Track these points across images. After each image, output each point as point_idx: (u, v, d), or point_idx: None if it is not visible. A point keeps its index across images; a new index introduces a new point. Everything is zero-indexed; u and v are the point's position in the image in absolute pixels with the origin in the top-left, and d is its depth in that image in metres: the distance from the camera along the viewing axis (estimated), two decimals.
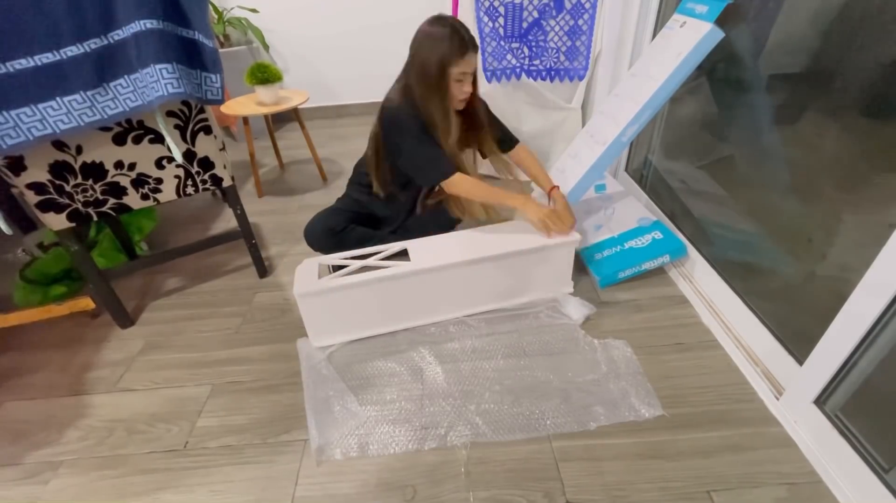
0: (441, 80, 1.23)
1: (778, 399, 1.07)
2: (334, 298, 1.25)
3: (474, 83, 1.31)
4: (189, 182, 1.36)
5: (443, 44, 1.18)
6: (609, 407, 1.11)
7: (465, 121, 1.37)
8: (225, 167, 1.39)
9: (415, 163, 1.34)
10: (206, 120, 1.28)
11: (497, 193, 1.33)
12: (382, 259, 1.33)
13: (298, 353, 1.31)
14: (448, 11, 1.99)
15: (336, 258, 1.35)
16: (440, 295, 1.35)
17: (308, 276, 1.27)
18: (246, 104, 2.15)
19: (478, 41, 1.30)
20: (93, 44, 1.06)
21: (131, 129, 1.20)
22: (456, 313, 1.39)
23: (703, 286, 1.41)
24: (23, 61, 1.01)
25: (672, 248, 1.48)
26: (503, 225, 1.44)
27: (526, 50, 1.92)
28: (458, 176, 1.32)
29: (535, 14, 1.84)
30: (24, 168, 1.12)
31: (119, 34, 1.07)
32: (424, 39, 1.22)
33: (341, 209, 1.58)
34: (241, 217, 1.52)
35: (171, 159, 1.29)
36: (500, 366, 1.24)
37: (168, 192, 1.34)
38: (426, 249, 1.34)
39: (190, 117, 1.26)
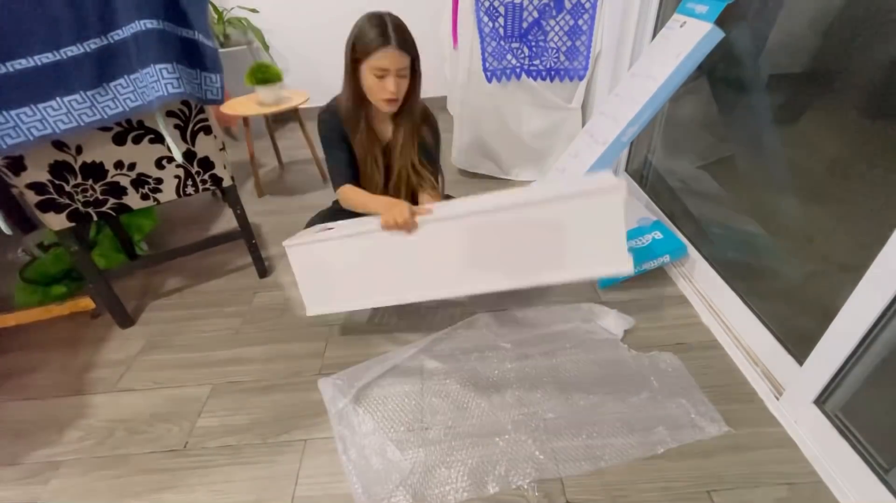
0: (353, 69, 1.18)
1: (778, 399, 1.07)
2: (323, 253, 1.16)
3: (412, 89, 1.22)
4: (189, 182, 1.36)
5: (363, 33, 1.13)
6: (672, 427, 1.04)
7: (397, 124, 1.29)
8: (225, 167, 1.39)
9: (328, 168, 1.34)
10: (205, 120, 1.28)
11: (368, 201, 1.22)
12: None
13: (322, 396, 1.18)
14: (448, 11, 1.99)
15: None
16: (445, 259, 1.11)
17: (302, 235, 1.23)
18: (246, 104, 2.15)
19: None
20: (93, 44, 1.06)
21: (131, 129, 1.20)
22: (469, 287, 1.12)
23: (703, 286, 1.41)
24: (23, 61, 1.01)
25: (672, 248, 1.48)
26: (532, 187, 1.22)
27: (526, 50, 1.92)
28: (344, 189, 1.28)
29: (535, 14, 1.84)
30: (23, 168, 1.12)
31: (119, 34, 1.07)
32: (352, 28, 1.17)
33: (340, 210, 1.57)
34: (241, 217, 1.52)
35: (171, 159, 1.29)
36: (548, 391, 1.15)
37: (168, 192, 1.34)
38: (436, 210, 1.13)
39: (190, 117, 1.26)
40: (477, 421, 1.10)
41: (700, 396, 1.11)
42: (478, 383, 1.19)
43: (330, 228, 1.22)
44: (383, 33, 1.11)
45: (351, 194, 1.27)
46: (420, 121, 1.31)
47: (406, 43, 1.14)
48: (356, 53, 1.15)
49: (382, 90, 1.17)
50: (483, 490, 0.95)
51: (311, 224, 1.47)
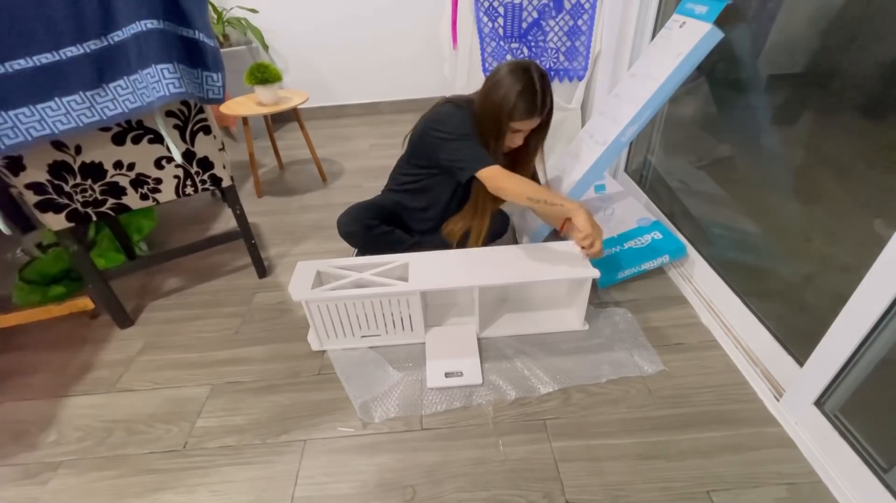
0: (500, 126, 1.24)
1: (778, 400, 1.07)
2: (323, 308, 1.25)
3: (534, 137, 1.33)
4: (188, 182, 1.35)
5: (517, 97, 1.18)
6: (615, 365, 1.22)
7: (506, 164, 1.30)
8: (224, 167, 1.39)
9: (458, 153, 1.28)
10: (205, 120, 1.28)
11: (545, 190, 1.24)
12: (382, 272, 1.29)
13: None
14: (448, 11, 1.99)
15: (333, 266, 1.33)
16: (438, 314, 1.39)
17: (303, 280, 1.27)
18: (245, 104, 2.14)
19: (542, 97, 1.22)
20: (92, 45, 1.06)
21: (130, 129, 1.20)
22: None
23: (702, 286, 1.41)
24: (22, 62, 1.00)
25: (671, 249, 1.48)
26: (522, 247, 1.38)
27: (525, 50, 1.92)
28: (497, 168, 1.23)
29: (535, 14, 1.85)
30: (23, 168, 1.12)
31: (119, 35, 1.07)
32: (504, 79, 1.20)
33: (377, 205, 1.53)
34: (241, 217, 1.52)
35: (170, 159, 1.29)
36: (510, 338, 1.32)
37: (167, 192, 1.34)
38: (427, 269, 1.28)
39: (189, 117, 1.26)
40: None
41: (644, 342, 1.28)
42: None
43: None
44: (534, 105, 1.18)
45: (506, 178, 1.22)
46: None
47: (551, 108, 1.23)
48: (508, 113, 1.20)
49: (513, 141, 1.28)
50: (451, 404, 1.14)
51: (357, 213, 1.47)
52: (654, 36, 1.70)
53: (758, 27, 1.25)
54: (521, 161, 1.39)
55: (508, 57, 1.92)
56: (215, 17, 2.76)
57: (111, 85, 1.09)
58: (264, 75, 2.05)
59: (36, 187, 1.16)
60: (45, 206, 1.19)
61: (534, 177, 1.48)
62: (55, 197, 1.19)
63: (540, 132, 1.33)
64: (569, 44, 1.91)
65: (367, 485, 0.98)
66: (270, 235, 1.92)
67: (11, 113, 1.00)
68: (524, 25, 1.87)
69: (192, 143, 1.30)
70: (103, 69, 1.07)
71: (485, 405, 1.13)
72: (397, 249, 1.44)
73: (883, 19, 0.93)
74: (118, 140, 1.20)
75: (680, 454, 1.00)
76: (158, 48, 1.07)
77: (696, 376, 1.18)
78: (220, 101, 1.23)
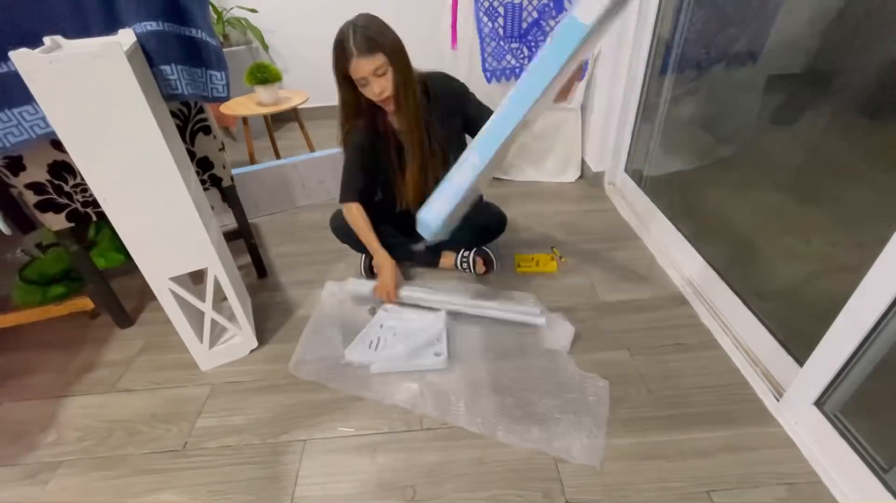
0: (342, 85, 1.24)
1: (778, 400, 1.07)
2: None
3: (401, 78, 1.20)
4: None
5: (335, 52, 1.16)
6: (548, 438, 1.03)
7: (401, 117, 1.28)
8: (224, 167, 1.39)
9: (342, 176, 1.44)
10: (205, 120, 1.28)
11: (368, 239, 1.41)
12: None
13: (322, 292, 1.50)
14: (448, 11, 1.99)
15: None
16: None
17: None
18: (245, 104, 2.15)
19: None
20: None
21: None
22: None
23: (703, 286, 1.41)
24: None
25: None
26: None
27: (525, 50, 1.93)
28: (352, 208, 1.42)
29: (535, 14, 1.85)
30: (23, 168, 1.12)
31: None
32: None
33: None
34: (241, 217, 1.52)
35: None
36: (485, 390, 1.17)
37: None
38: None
39: (189, 117, 1.26)
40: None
41: (600, 427, 1.04)
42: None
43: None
44: (345, 46, 1.14)
45: (352, 218, 1.41)
46: (422, 102, 1.28)
47: (369, 45, 1.13)
48: (340, 71, 1.20)
49: (372, 95, 1.20)
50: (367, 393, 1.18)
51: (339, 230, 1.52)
52: (654, 36, 1.70)
53: (758, 27, 1.25)
54: (404, 104, 1.25)
55: (508, 57, 1.92)
56: (215, 17, 2.77)
57: None
58: (264, 75, 2.05)
59: (36, 187, 1.16)
60: (45, 206, 1.19)
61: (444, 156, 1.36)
62: (55, 197, 1.19)
63: (398, 71, 1.19)
64: None
65: (367, 484, 0.98)
66: (270, 235, 1.92)
67: (15, 111, 1.01)
68: (524, 25, 1.87)
69: (192, 143, 1.30)
70: None
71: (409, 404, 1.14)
72: (393, 253, 1.45)
73: (883, 19, 0.93)
74: None
75: (680, 454, 1.00)
76: (159, 49, 1.07)
77: (696, 376, 1.18)
78: (224, 100, 1.22)
